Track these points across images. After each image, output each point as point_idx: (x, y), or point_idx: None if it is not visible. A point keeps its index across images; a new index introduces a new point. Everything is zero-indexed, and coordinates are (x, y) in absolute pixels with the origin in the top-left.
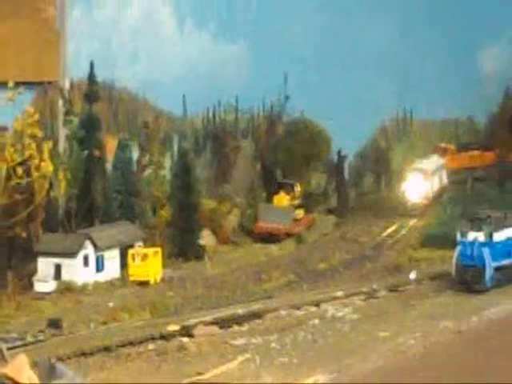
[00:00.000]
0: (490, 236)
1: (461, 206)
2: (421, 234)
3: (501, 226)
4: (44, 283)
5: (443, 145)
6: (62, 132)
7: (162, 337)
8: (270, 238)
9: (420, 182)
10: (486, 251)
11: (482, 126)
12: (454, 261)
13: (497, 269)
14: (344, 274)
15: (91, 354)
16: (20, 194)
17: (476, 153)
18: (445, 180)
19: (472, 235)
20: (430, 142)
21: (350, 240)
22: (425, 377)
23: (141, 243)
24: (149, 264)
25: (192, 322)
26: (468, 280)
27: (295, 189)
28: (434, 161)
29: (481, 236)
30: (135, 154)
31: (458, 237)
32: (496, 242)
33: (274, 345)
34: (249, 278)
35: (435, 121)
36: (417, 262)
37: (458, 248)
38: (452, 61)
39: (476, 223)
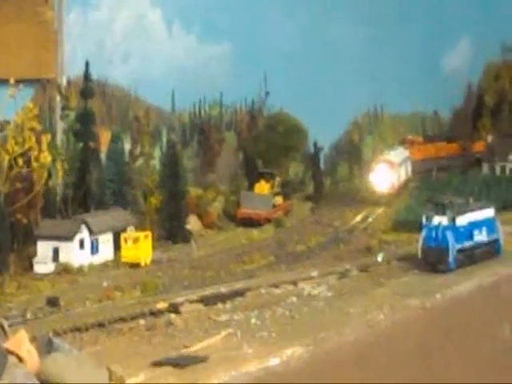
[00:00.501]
0: (453, 220)
1: (426, 192)
2: (389, 219)
3: (463, 211)
4: (43, 265)
5: (411, 137)
6: (60, 125)
7: (152, 313)
8: (251, 222)
9: (387, 172)
10: (449, 234)
11: (446, 120)
12: (419, 243)
13: (459, 251)
14: (319, 256)
15: (86, 329)
16: (21, 183)
17: (441, 144)
18: (409, 171)
19: (436, 219)
20: (398, 134)
21: (325, 224)
22: (392, 349)
23: (132, 228)
24: (140, 247)
25: (179, 299)
26: (432, 261)
27: (275, 178)
28: (400, 153)
29: (444, 220)
30: (127, 146)
31: (424, 221)
32: (458, 226)
33: (254, 320)
34: (231, 259)
35: (403, 115)
36: (386, 245)
37: (424, 231)
38: (419, 61)
39: (440, 208)
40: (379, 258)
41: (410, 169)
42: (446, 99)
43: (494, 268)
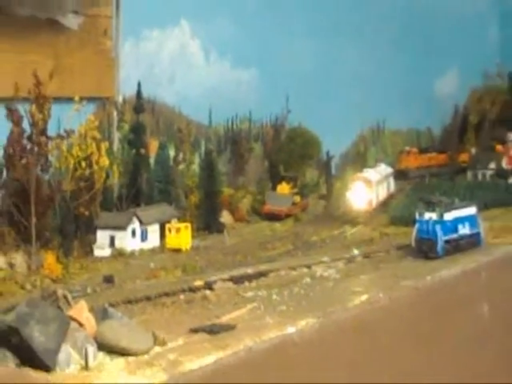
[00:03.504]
0: (441, 216)
1: (420, 193)
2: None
3: (449, 208)
4: (101, 250)
5: (407, 148)
6: (116, 135)
7: (190, 290)
8: (274, 217)
9: (363, 190)
10: (438, 227)
11: (437, 135)
12: (413, 235)
13: (446, 241)
14: (330, 245)
15: (136, 302)
16: (83, 182)
17: (433, 155)
18: (392, 187)
19: (427, 215)
20: (397, 146)
21: (335, 219)
22: (388, 320)
23: (175, 220)
24: (181, 236)
25: (213, 278)
26: (424, 249)
27: (294, 181)
28: (381, 170)
29: (434, 216)
30: (172, 153)
31: (417, 216)
32: (446, 221)
33: (275, 296)
34: (257, 246)
35: (401, 130)
36: (386, 236)
37: (417, 225)
38: (415, 86)
39: (431, 206)
40: (355, 252)
41: (392, 185)
42: (437, 118)
43: (475, 256)
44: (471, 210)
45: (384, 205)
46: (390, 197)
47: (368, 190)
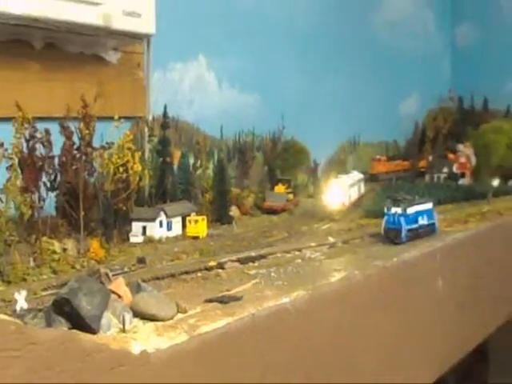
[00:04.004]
0: (405, 210)
1: (388, 192)
2: (363, 210)
3: (411, 204)
4: (135, 237)
5: (378, 156)
6: (147, 146)
7: (206, 269)
8: (272, 211)
9: (338, 192)
10: (402, 219)
11: (402, 146)
12: (382, 225)
13: (408, 230)
14: (317, 233)
15: (163, 278)
16: (121, 184)
17: (398, 162)
18: (363, 190)
19: (393, 209)
20: (369, 155)
21: (318, 214)
22: (363, 293)
23: (194, 213)
24: (198, 226)
25: (224, 260)
26: (391, 237)
27: (288, 183)
28: (353, 176)
29: (399, 210)
30: (191, 161)
31: (385, 210)
32: (408, 214)
33: (273, 274)
34: (259, 234)
35: (373, 142)
36: (361, 226)
37: (385, 217)
38: (383, 107)
39: (396, 202)
40: (332, 239)
41: (363, 188)
42: (401, 132)
43: (431, 242)
44: (428, 205)
45: (356, 204)
46: (361, 197)
47: (341, 193)
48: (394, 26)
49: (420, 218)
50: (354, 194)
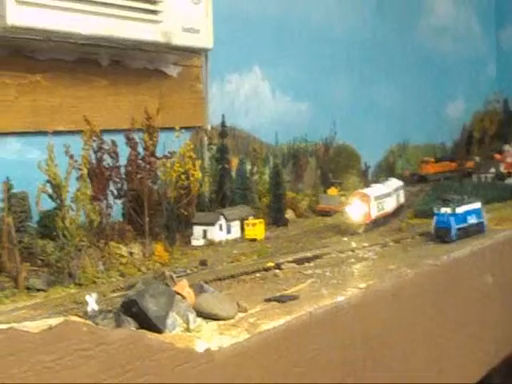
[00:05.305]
0: (454, 210)
1: (437, 193)
2: (413, 210)
3: (460, 204)
4: (197, 240)
5: (426, 158)
6: (207, 155)
7: (264, 269)
8: (326, 213)
9: (360, 205)
10: (451, 218)
11: (449, 148)
12: (433, 224)
13: (458, 229)
14: (369, 233)
15: (224, 279)
16: (183, 190)
17: (446, 163)
18: (402, 199)
19: (443, 209)
20: (418, 157)
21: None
22: (415, 290)
23: (252, 217)
24: (256, 229)
25: (281, 260)
26: (441, 236)
27: (341, 185)
28: (390, 184)
29: (448, 210)
30: (248, 167)
31: (435, 210)
32: (458, 213)
33: (328, 273)
34: (313, 236)
35: (421, 145)
36: (412, 226)
37: (435, 217)
38: (431, 111)
39: (446, 202)
40: (386, 240)
41: (402, 197)
42: (448, 135)
43: (480, 240)
44: (477, 205)
45: (394, 214)
46: (400, 207)
47: (365, 205)
48: (440, 31)
49: (469, 217)
50: (389, 205)
